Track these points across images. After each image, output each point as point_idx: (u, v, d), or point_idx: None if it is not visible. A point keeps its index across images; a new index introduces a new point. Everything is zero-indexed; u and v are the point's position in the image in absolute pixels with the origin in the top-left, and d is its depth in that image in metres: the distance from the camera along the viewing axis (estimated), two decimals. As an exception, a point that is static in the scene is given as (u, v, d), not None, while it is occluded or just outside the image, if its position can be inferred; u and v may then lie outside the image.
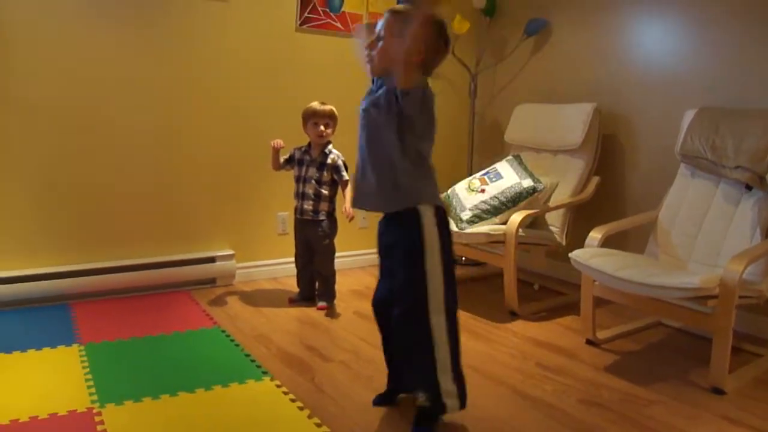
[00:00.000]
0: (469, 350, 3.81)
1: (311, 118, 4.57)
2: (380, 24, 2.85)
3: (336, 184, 4.65)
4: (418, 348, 2.91)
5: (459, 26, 5.59)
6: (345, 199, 4.51)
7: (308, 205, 4.62)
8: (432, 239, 2.87)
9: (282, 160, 4.70)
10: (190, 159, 5.00)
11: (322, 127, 4.55)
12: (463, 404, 2.97)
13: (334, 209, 4.68)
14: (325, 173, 4.59)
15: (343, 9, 5.39)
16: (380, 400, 3.26)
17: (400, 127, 2.82)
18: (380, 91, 2.87)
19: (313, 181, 4.59)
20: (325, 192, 4.61)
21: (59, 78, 4.51)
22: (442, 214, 2.94)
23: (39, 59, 4.44)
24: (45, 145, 4.53)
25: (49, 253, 4.62)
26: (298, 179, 4.67)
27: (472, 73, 5.86)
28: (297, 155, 4.68)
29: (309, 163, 4.63)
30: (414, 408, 3.02)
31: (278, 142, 4.60)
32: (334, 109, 4.59)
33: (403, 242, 2.91)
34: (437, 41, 2.80)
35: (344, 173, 4.59)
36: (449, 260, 2.95)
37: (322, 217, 4.63)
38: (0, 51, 4.32)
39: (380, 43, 2.83)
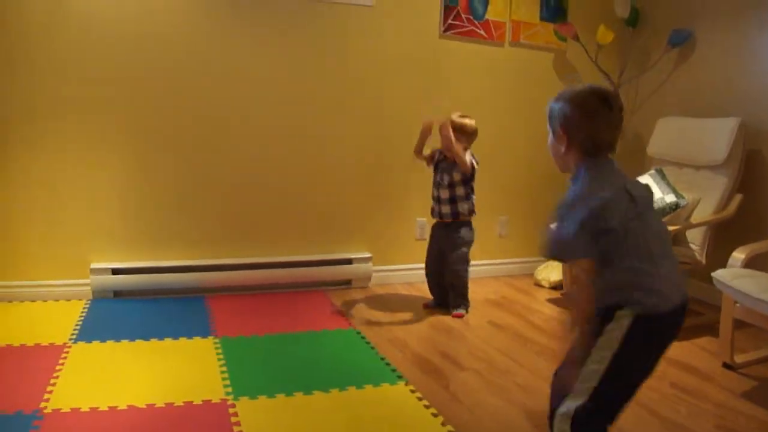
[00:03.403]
0: None
1: (442, 129, 4.36)
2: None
3: (470, 181, 4.44)
4: None
5: (603, 36, 5.31)
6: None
7: (446, 209, 4.46)
8: None
9: (426, 152, 4.56)
10: (333, 161, 4.94)
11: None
12: None
13: (472, 211, 4.48)
14: (455, 173, 4.41)
15: (486, 16, 5.19)
16: None
17: None
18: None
19: (446, 185, 4.43)
20: (460, 193, 4.43)
21: (210, 81, 4.56)
22: None
23: (191, 61, 4.50)
24: (194, 144, 4.59)
25: (191, 246, 4.66)
26: (434, 183, 4.53)
27: (615, 84, 5.56)
28: (437, 156, 4.53)
29: (444, 168, 4.47)
30: None
31: (429, 122, 4.41)
32: (469, 123, 4.40)
33: None
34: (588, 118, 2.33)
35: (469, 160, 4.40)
36: None
37: (463, 219, 4.46)
38: (148, 56, 4.41)
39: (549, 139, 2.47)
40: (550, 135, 2.40)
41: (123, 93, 4.39)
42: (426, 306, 4.64)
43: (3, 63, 4.16)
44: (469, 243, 4.53)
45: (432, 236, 4.65)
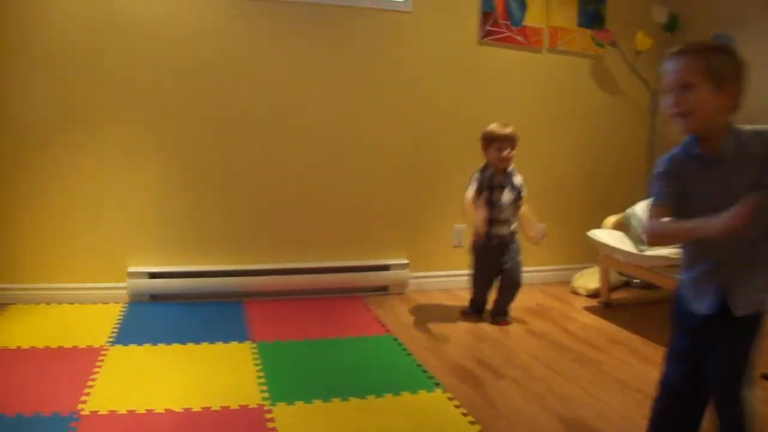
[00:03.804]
0: (640, 376, 3.57)
1: (494, 141, 4.25)
2: (674, 67, 2.21)
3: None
4: None
5: (641, 43, 5.20)
6: (528, 219, 4.37)
7: (504, 230, 4.31)
8: None
9: (472, 193, 4.32)
10: (369, 167, 4.89)
11: (506, 151, 4.24)
12: None
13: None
14: (514, 196, 4.33)
15: (523, 23, 5.11)
16: None
17: None
18: None
19: (506, 206, 4.31)
20: (515, 212, 4.37)
21: (245, 87, 4.57)
22: None
23: (226, 68, 4.52)
24: (231, 149, 4.59)
25: (228, 251, 4.65)
26: (489, 203, 4.31)
27: (653, 89, 5.45)
28: (485, 182, 4.31)
29: (499, 188, 4.31)
30: None
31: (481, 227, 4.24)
32: (514, 130, 4.29)
33: None
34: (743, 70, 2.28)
35: (524, 191, 4.37)
36: None
37: (515, 239, 4.39)
38: (184, 63, 4.43)
39: (690, 92, 2.18)
40: (702, 89, 2.17)
41: (160, 99, 4.40)
42: (464, 313, 4.54)
43: (47, 68, 4.19)
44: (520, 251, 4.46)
45: (484, 254, 4.40)
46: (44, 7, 4.15)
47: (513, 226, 4.37)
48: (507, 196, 4.30)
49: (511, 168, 4.34)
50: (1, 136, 4.22)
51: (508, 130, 4.25)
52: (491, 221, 4.27)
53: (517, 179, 4.34)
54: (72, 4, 4.19)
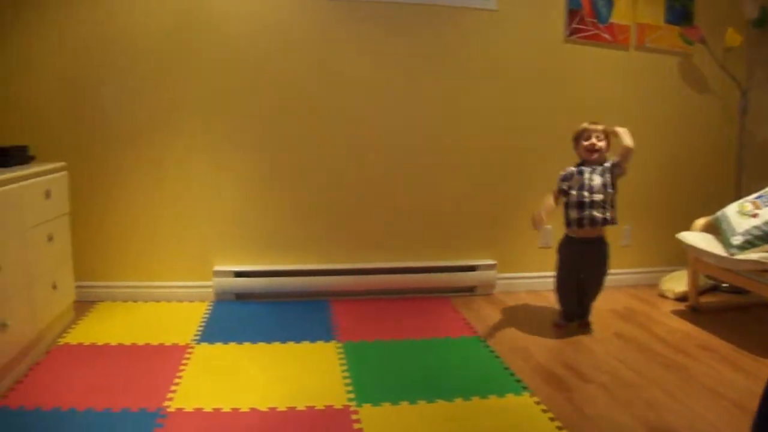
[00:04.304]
0: (729, 383, 3.41)
1: (583, 134, 4.00)
2: None
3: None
4: None
5: (731, 40, 4.97)
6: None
7: (599, 212, 3.95)
8: None
9: (557, 192, 4.09)
10: (456, 168, 4.79)
11: (594, 139, 3.94)
12: None
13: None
14: (608, 176, 3.96)
15: (611, 20, 4.93)
16: None
17: None
18: None
19: (601, 187, 3.94)
20: (613, 196, 3.99)
21: (333, 88, 4.55)
22: None
23: (313, 69, 4.50)
24: (315, 150, 4.56)
25: (313, 250, 4.63)
26: (581, 187, 3.98)
27: (743, 88, 5.22)
28: (572, 172, 4.04)
29: (590, 172, 3.99)
30: None
31: (539, 218, 4.03)
32: (604, 126, 4.04)
33: None
34: None
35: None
36: None
37: (608, 228, 4.05)
38: (273, 65, 4.41)
39: None
40: None
41: (246, 99, 4.39)
42: (557, 325, 4.22)
43: (136, 68, 4.23)
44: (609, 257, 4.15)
45: (570, 251, 4.12)
46: (132, 6, 4.18)
47: (611, 211, 3.98)
48: (598, 178, 3.96)
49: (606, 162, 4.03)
50: (91, 136, 4.26)
51: (595, 124, 4.00)
52: (588, 204, 3.96)
53: (608, 163, 4.00)
54: (160, 5, 4.21)
